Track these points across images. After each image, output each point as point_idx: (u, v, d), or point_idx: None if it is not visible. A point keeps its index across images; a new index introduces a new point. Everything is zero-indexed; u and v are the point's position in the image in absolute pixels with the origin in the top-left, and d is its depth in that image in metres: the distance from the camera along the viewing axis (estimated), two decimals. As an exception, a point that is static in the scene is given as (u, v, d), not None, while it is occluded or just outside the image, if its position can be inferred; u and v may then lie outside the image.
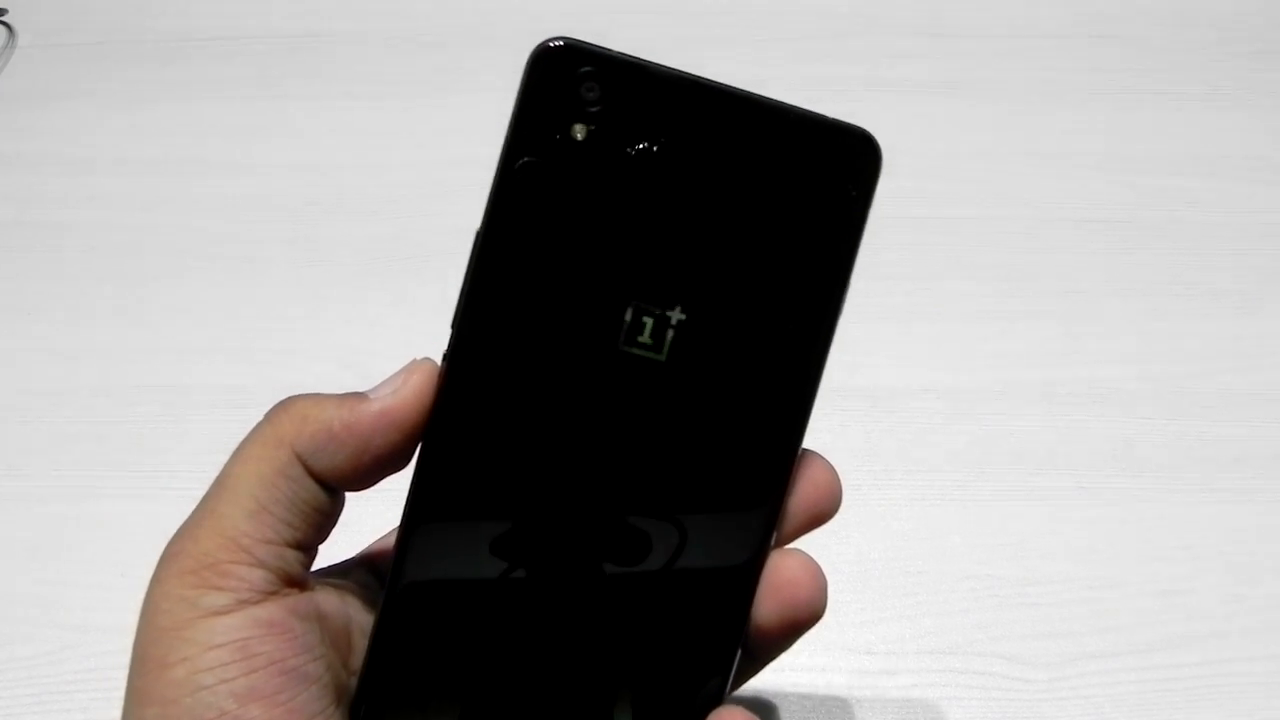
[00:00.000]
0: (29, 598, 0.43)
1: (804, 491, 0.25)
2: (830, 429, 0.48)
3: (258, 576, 0.22)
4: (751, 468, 0.24)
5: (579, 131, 0.23)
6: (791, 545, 0.25)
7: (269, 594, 0.22)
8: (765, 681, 0.41)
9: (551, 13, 0.68)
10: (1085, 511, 0.46)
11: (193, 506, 0.23)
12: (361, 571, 0.26)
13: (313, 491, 0.23)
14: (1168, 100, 0.62)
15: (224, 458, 0.24)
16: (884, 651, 0.42)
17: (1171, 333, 0.52)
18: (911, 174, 0.58)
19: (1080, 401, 0.49)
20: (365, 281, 0.54)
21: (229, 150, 0.60)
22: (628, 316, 0.23)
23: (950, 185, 0.58)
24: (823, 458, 0.25)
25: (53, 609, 0.43)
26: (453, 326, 0.23)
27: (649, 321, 0.23)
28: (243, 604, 0.22)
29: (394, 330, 0.52)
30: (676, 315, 0.23)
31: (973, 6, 0.67)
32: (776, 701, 0.41)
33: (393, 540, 0.24)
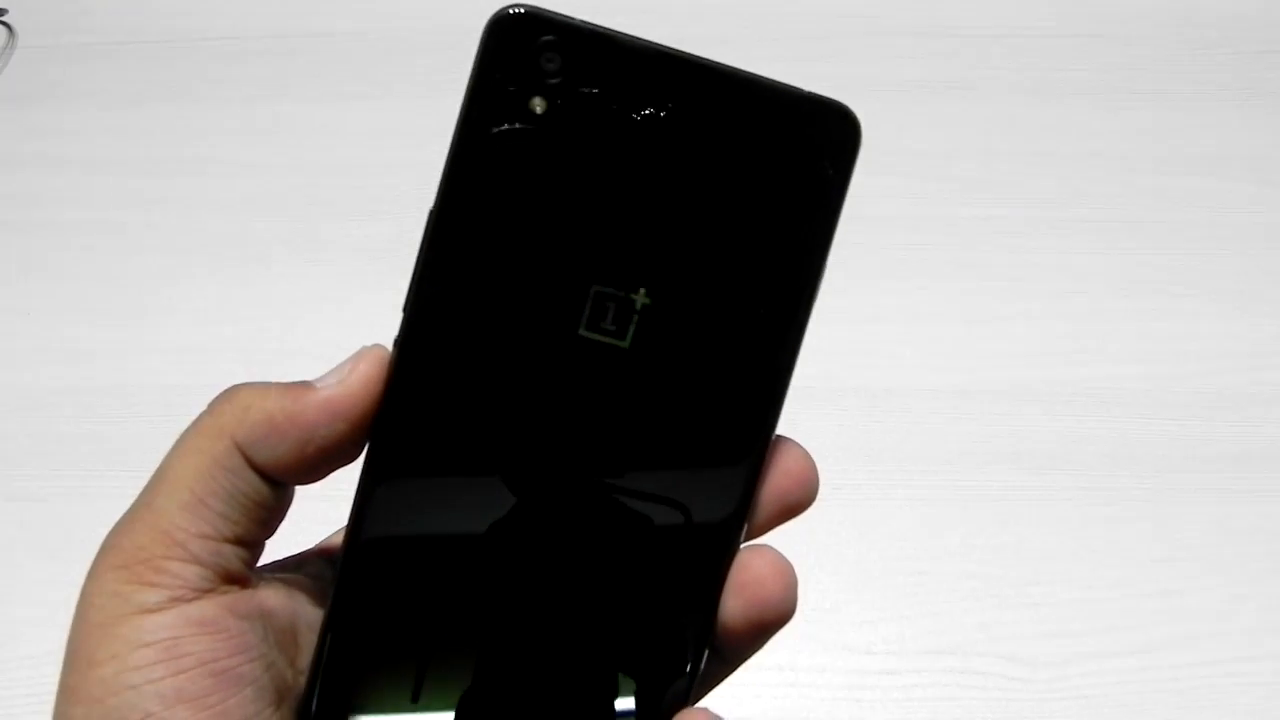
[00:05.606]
0: (29, 597, 0.43)
1: (775, 481, 0.23)
2: (830, 429, 0.48)
3: (192, 573, 0.21)
4: (719, 462, 0.23)
5: (538, 105, 0.21)
6: (762, 542, 0.24)
7: (204, 591, 0.21)
8: (765, 681, 0.41)
9: (551, 13, 0.68)
10: (1085, 511, 0.46)
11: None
12: (318, 563, 0.25)
13: (254, 484, 0.22)
14: (1168, 100, 0.62)
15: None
16: (884, 651, 0.42)
17: (1171, 333, 0.52)
18: (912, 174, 0.58)
19: (1080, 401, 0.49)
20: (365, 281, 0.54)
21: (229, 150, 0.60)
22: (589, 300, 0.22)
23: (950, 185, 0.58)
24: (798, 445, 0.24)
25: (53, 609, 0.43)
26: (404, 311, 0.22)
27: (611, 306, 0.22)
28: (176, 601, 0.21)
29: (394, 330, 0.52)
30: (641, 299, 0.22)
31: (973, 6, 0.67)
32: (776, 701, 0.41)
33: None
